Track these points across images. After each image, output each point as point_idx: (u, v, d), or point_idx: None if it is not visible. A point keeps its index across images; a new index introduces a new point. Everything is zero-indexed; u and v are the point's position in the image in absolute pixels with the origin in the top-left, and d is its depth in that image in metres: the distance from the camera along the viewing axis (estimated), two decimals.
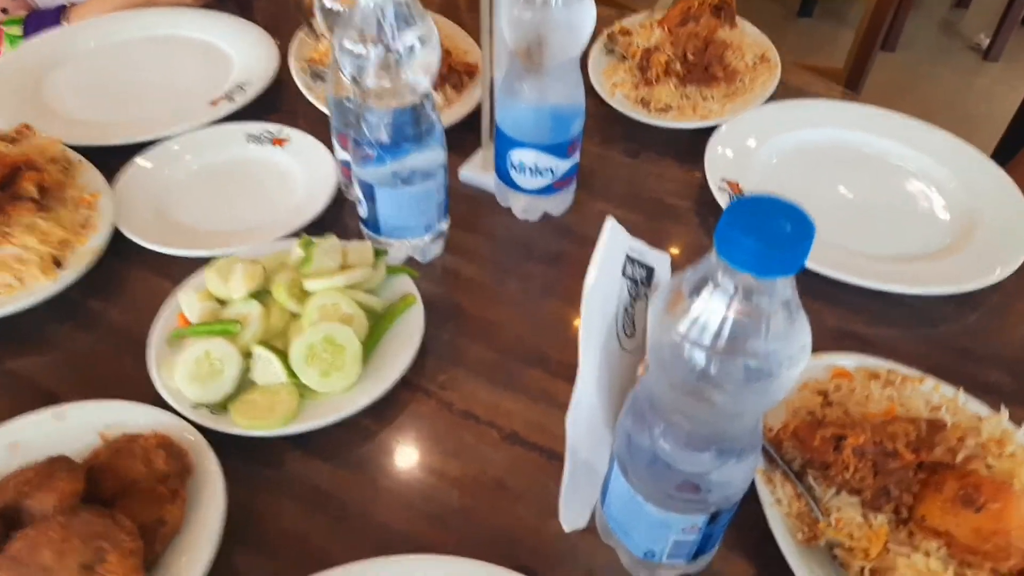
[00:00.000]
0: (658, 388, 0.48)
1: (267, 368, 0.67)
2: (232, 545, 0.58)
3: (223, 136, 0.95)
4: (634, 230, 0.62)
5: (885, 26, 2.34)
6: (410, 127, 0.72)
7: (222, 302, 0.71)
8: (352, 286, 0.71)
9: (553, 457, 0.65)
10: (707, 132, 0.95)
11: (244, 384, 0.67)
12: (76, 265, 0.77)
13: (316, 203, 0.85)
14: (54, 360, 0.73)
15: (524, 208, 0.88)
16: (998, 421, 0.61)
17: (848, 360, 0.69)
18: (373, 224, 0.79)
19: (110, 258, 0.81)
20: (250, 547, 0.60)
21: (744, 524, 0.58)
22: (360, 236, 0.81)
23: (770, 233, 0.38)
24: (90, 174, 0.87)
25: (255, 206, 0.88)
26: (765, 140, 0.97)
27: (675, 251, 0.85)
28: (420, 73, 0.69)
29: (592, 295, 0.55)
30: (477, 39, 1.07)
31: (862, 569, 0.54)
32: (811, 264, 0.78)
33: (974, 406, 0.65)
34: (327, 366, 0.66)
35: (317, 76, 1.04)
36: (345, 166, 0.85)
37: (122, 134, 0.94)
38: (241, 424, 0.63)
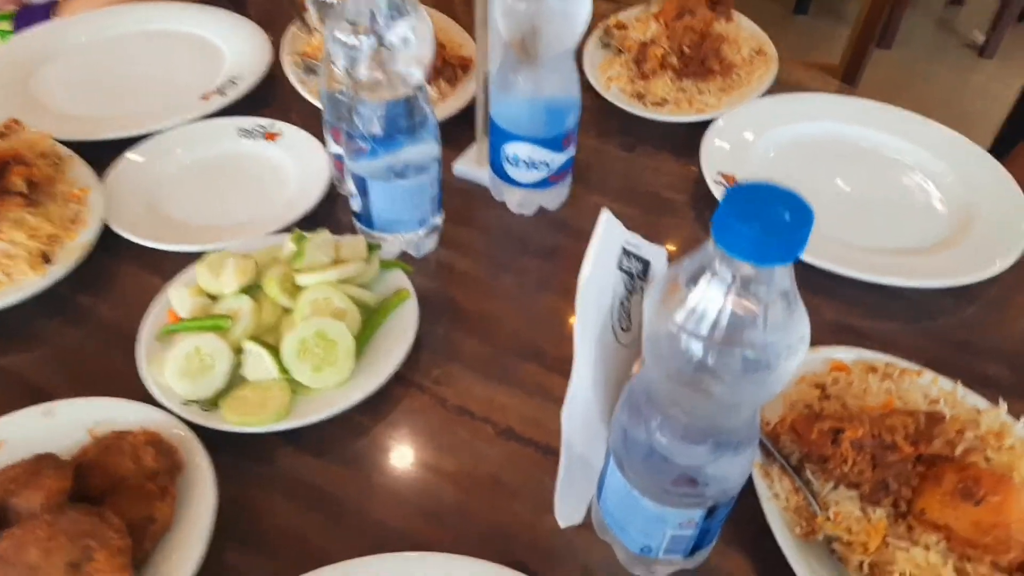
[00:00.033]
0: (654, 381, 0.47)
1: (258, 364, 0.66)
2: (223, 542, 0.57)
3: (215, 131, 0.94)
4: (630, 224, 0.61)
5: (881, 23, 2.33)
6: (403, 120, 0.71)
7: (213, 297, 0.70)
8: (345, 281, 0.71)
9: (548, 452, 0.65)
10: (703, 126, 0.95)
11: (235, 380, 0.66)
12: (65, 260, 0.76)
13: (309, 198, 0.84)
14: (42, 356, 0.72)
15: (519, 202, 0.87)
16: (997, 414, 0.61)
17: (846, 353, 0.68)
18: (366, 218, 0.78)
19: (100, 253, 0.80)
20: (241, 544, 0.59)
21: (741, 519, 0.57)
22: (353, 231, 0.80)
23: (768, 220, 0.38)
24: (80, 169, 0.86)
25: (247, 201, 0.87)
26: (762, 133, 0.96)
27: (671, 245, 0.84)
28: (413, 65, 0.68)
29: (587, 288, 0.54)
30: (471, 32, 1.07)
31: (861, 563, 0.53)
32: (809, 257, 0.77)
33: (972, 399, 0.64)
34: (319, 361, 0.65)
35: (310, 70, 1.03)
36: (338, 160, 0.84)
37: (112, 129, 0.93)
38: (232, 420, 0.62)
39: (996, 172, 0.90)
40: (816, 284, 0.77)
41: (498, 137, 0.82)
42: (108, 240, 0.80)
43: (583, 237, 0.55)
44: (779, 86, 1.04)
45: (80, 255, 0.77)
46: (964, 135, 0.95)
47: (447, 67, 1.02)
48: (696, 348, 0.41)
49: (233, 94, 1.00)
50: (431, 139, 0.74)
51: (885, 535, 0.53)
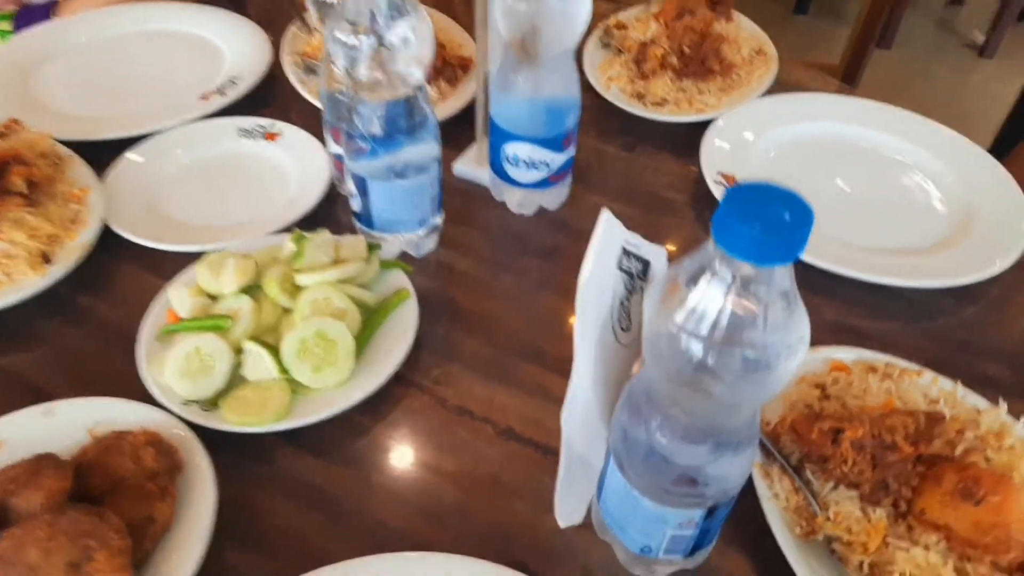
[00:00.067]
0: (655, 381, 0.47)
1: (258, 364, 0.66)
2: (223, 542, 0.57)
3: (215, 131, 0.94)
4: (630, 224, 0.61)
5: (881, 23, 2.33)
6: (403, 120, 0.71)
7: (213, 297, 0.70)
8: (345, 281, 0.71)
9: (548, 452, 0.65)
10: (703, 126, 0.95)
11: (235, 380, 0.66)
12: (65, 260, 0.76)
13: (309, 198, 0.84)
14: (42, 356, 0.72)
15: (519, 202, 0.87)
16: (997, 414, 0.61)
17: (846, 353, 0.68)
18: (366, 218, 0.78)
19: (100, 253, 0.79)
20: (242, 544, 0.59)
21: (741, 519, 0.57)
22: (353, 231, 0.80)
23: (768, 220, 0.38)
24: (80, 169, 0.86)
25: (247, 201, 0.87)
26: (762, 133, 0.96)
27: (671, 245, 0.84)
28: (413, 65, 0.68)
29: (587, 288, 0.54)
30: (471, 33, 1.07)
31: (861, 563, 0.53)
32: (809, 257, 0.77)
33: (972, 399, 0.64)
34: (319, 361, 0.65)
35: (310, 70, 1.03)
36: (338, 160, 0.84)
37: (112, 129, 0.93)
38: (232, 421, 0.62)
39: (996, 172, 0.90)
40: (816, 284, 0.77)
41: (498, 137, 0.82)
42: (108, 240, 0.80)
43: (583, 237, 0.55)
44: (779, 86, 1.03)
45: (80, 255, 0.77)
46: (964, 135, 0.95)
47: (447, 67, 1.02)
48: (696, 348, 0.41)
49: (233, 94, 1.00)
50: (431, 139, 0.74)
51: (885, 535, 0.53)
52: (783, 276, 0.39)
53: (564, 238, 0.85)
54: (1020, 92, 1.88)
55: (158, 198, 0.87)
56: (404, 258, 0.80)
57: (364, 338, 0.69)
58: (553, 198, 0.88)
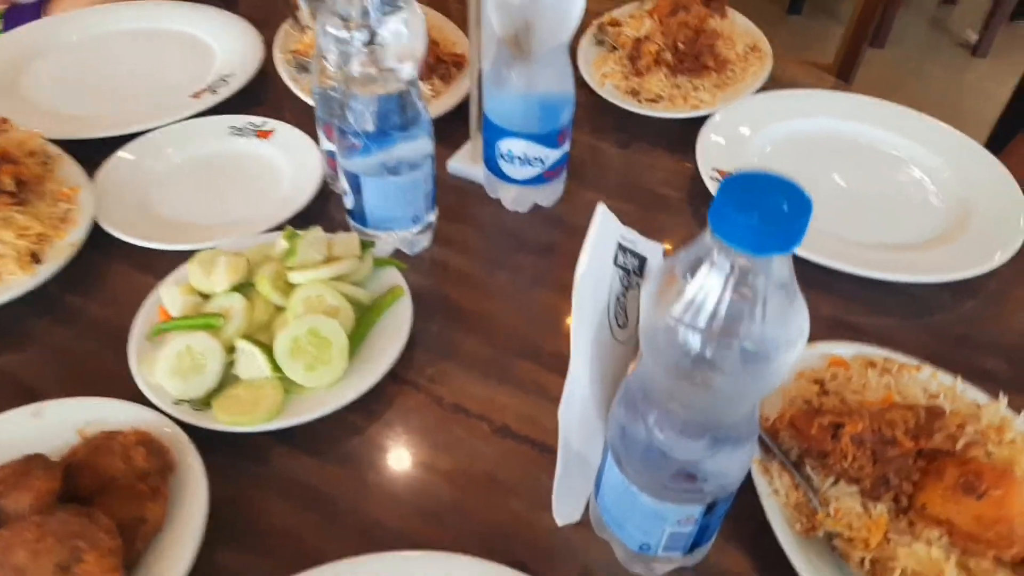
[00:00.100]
0: (652, 375, 0.46)
1: (251, 362, 0.65)
2: (216, 543, 0.56)
3: (206, 129, 0.94)
4: (626, 220, 0.60)
5: (874, 22, 2.34)
6: (396, 115, 0.71)
7: (204, 296, 0.69)
8: (338, 278, 0.70)
9: (545, 450, 0.64)
10: (698, 122, 0.94)
11: (227, 379, 0.65)
12: (55, 260, 0.75)
13: (301, 196, 0.84)
14: (32, 356, 0.71)
15: (514, 199, 0.87)
16: (997, 408, 0.60)
17: (844, 349, 0.68)
18: (360, 216, 0.77)
19: (90, 253, 0.79)
20: (235, 545, 0.58)
21: (741, 516, 0.57)
22: (346, 229, 0.80)
23: (766, 210, 0.37)
24: (70, 168, 0.85)
25: (239, 200, 0.86)
26: (757, 129, 0.96)
27: (668, 242, 0.83)
28: (405, 59, 0.68)
29: (583, 283, 0.54)
30: (465, 30, 1.06)
31: (862, 559, 0.53)
32: (805, 253, 0.77)
33: (972, 394, 0.64)
34: (312, 360, 0.64)
35: (302, 68, 1.02)
36: (331, 158, 0.83)
37: (103, 127, 0.92)
38: (224, 420, 0.62)
39: (992, 166, 0.90)
40: (813, 280, 0.76)
41: (492, 133, 0.81)
42: (99, 239, 0.79)
43: (578, 234, 0.54)
44: (773, 83, 1.03)
45: (70, 254, 0.76)
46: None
47: (440, 64, 1.02)
48: (694, 340, 0.40)
49: (225, 92, 0.99)
50: (424, 135, 0.73)
51: (886, 531, 0.53)
52: (782, 266, 0.39)
53: (559, 235, 0.85)
54: (1013, 91, 1.88)
55: (149, 197, 0.86)
56: (398, 256, 0.80)
57: (358, 336, 0.68)
58: (548, 195, 0.87)
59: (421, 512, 0.61)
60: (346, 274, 0.71)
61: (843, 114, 0.99)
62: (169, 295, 0.69)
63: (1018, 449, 0.56)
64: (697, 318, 0.40)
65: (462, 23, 1.09)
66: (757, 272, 0.38)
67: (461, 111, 0.92)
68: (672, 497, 0.49)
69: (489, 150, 0.83)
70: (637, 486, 0.49)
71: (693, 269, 0.40)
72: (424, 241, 0.82)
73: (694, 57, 1.02)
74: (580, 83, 0.92)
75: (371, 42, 0.66)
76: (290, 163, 0.90)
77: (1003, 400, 0.62)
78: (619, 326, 0.60)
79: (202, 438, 0.61)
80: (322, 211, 0.84)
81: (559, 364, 0.53)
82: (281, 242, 0.72)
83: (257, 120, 0.94)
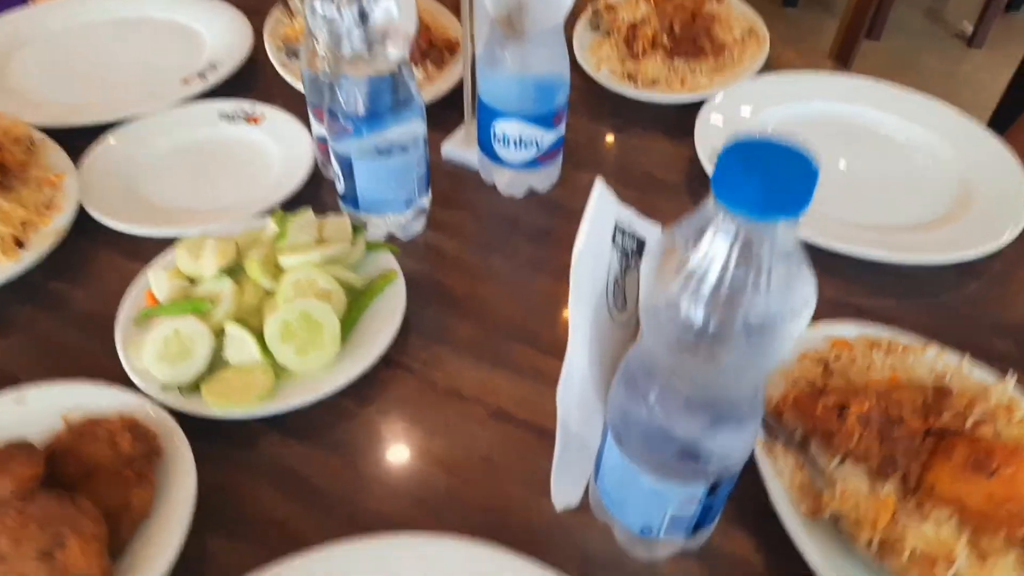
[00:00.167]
0: (654, 351, 0.45)
1: (240, 347, 0.63)
2: (205, 530, 0.55)
3: (195, 115, 0.92)
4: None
5: (870, 13, 2.33)
6: (387, 97, 0.69)
7: (193, 280, 0.68)
8: (330, 261, 0.68)
9: (543, 434, 0.62)
10: (695, 107, 0.93)
11: (216, 364, 0.63)
12: (39, 246, 0.74)
13: (292, 182, 0.82)
14: (16, 343, 0.70)
15: (508, 184, 0.85)
16: (1005, 388, 0.59)
17: (848, 329, 0.66)
18: (352, 200, 0.76)
19: (77, 240, 0.77)
20: (224, 532, 0.56)
21: (745, 497, 0.55)
22: (338, 213, 0.78)
23: (771, 173, 0.36)
24: (56, 154, 0.83)
25: (228, 186, 0.85)
26: (757, 112, 0.94)
27: (666, 225, 0.82)
28: (396, 39, 0.66)
29: (582, 260, 0.52)
30: (457, 14, 1.05)
31: (870, 540, 0.51)
32: (808, 235, 0.75)
33: (979, 374, 0.62)
34: (304, 344, 0.63)
35: (293, 54, 1.00)
36: (322, 143, 0.82)
37: (90, 114, 0.90)
38: (213, 404, 0.60)
39: (996, 147, 0.88)
40: (815, 263, 0.74)
41: (486, 116, 0.79)
42: (86, 226, 0.78)
43: (574, 219, 0.53)
44: (771, 69, 1.02)
45: (54, 240, 0.75)
46: None
47: (433, 49, 1.00)
48: (696, 313, 0.39)
49: (214, 79, 0.97)
50: (416, 117, 0.72)
51: (894, 511, 0.51)
52: (787, 233, 0.37)
53: (555, 220, 0.83)
54: (1009, 82, 1.88)
55: (137, 183, 0.84)
56: (391, 241, 0.78)
57: (350, 320, 0.67)
58: (543, 179, 0.85)
59: (415, 498, 0.59)
60: (338, 257, 0.69)
61: (843, 96, 0.97)
62: (157, 279, 0.67)
63: None
64: (699, 290, 0.38)
65: (455, 8, 1.07)
66: (761, 239, 0.37)
67: (455, 98, 0.91)
68: (675, 475, 0.47)
69: (484, 133, 0.81)
70: (638, 464, 0.48)
71: (695, 239, 0.38)
72: (417, 226, 0.80)
73: (691, 41, 1.01)
74: (576, 68, 0.91)
75: (361, 22, 0.64)
76: (280, 149, 0.88)
77: (1011, 379, 0.60)
78: (618, 309, 0.58)
79: (191, 425, 0.59)
80: (313, 197, 0.83)
81: (556, 348, 0.52)
82: (271, 225, 0.71)
83: (247, 106, 0.92)
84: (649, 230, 0.63)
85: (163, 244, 0.73)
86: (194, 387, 0.61)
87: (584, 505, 0.57)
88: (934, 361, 0.62)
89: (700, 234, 0.38)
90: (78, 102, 0.95)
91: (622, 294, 0.59)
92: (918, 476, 0.53)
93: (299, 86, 0.93)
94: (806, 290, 0.40)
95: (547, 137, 0.79)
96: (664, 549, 0.54)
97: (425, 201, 0.79)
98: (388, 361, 0.67)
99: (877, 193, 0.86)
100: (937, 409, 0.55)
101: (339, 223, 0.72)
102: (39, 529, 0.47)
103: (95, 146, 0.86)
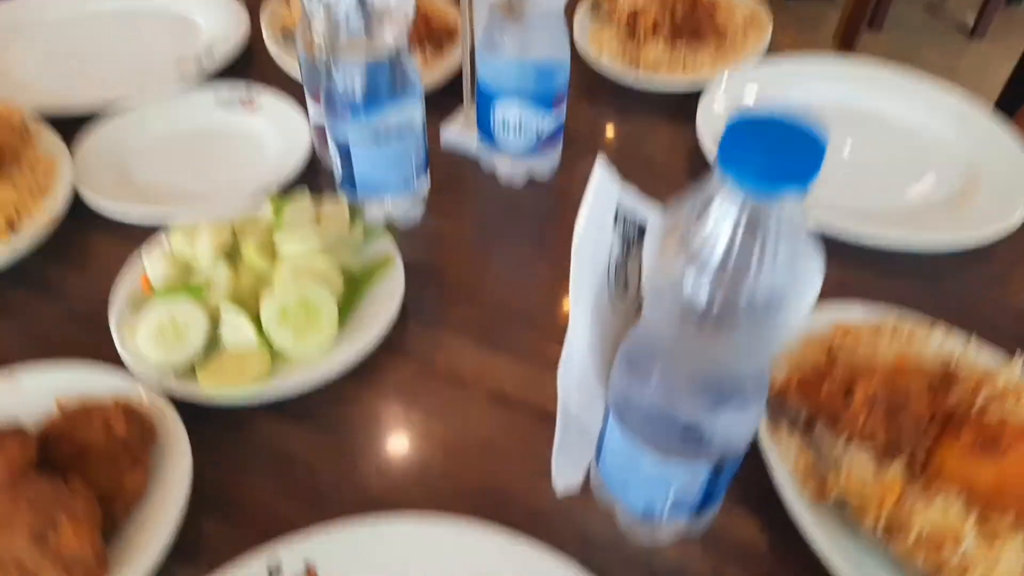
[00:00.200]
0: (656, 330, 0.44)
1: (236, 331, 0.62)
2: (200, 514, 0.54)
3: (191, 101, 0.91)
4: None
5: (871, 4, 2.32)
6: (384, 81, 0.68)
7: (188, 264, 0.67)
8: (327, 246, 0.67)
9: (543, 418, 0.62)
10: (697, 93, 0.92)
11: (212, 347, 0.63)
12: (32, 230, 0.73)
13: (289, 167, 0.81)
14: (9, 328, 0.69)
15: (508, 170, 0.84)
16: (1012, 370, 0.58)
17: (853, 313, 0.65)
18: (349, 186, 0.75)
19: (72, 224, 0.76)
20: (220, 516, 0.55)
21: (749, 480, 0.54)
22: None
23: (777, 145, 0.35)
24: (50, 139, 0.83)
25: (225, 171, 0.84)
26: (760, 98, 0.93)
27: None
28: (394, 22, 0.65)
29: (583, 242, 0.51)
30: (457, 0, 1.04)
31: (875, 523, 0.50)
32: (813, 220, 0.75)
33: (986, 357, 0.61)
34: (301, 327, 0.62)
35: (289, 39, 0.99)
36: (319, 129, 0.81)
37: (86, 101, 0.89)
38: (208, 387, 0.59)
39: (1003, 130, 0.88)
40: (821, 247, 0.74)
41: (486, 100, 0.78)
42: (80, 212, 0.77)
43: (574, 205, 0.52)
44: (773, 53, 1.01)
45: (48, 224, 0.74)
46: None
47: (433, 36, 0.99)
48: (701, 291, 0.38)
49: (211, 66, 0.96)
50: (414, 101, 0.71)
51: (900, 493, 0.50)
52: (793, 208, 0.37)
53: (555, 206, 0.82)
54: (1011, 74, 1.87)
55: (132, 168, 0.83)
56: (389, 226, 0.77)
57: (348, 305, 0.66)
58: (543, 165, 0.85)
59: (415, 482, 0.58)
60: (336, 242, 0.68)
61: (846, 80, 0.96)
62: (152, 263, 0.66)
63: None
64: (705, 267, 0.37)
65: None
66: (768, 213, 0.36)
67: (455, 84, 0.90)
68: (678, 455, 0.46)
69: (483, 118, 0.80)
70: (641, 447, 0.47)
71: (699, 215, 0.38)
72: (416, 212, 0.79)
73: (692, 26, 1.00)
74: (576, 55, 0.90)
75: (359, 5, 0.63)
76: (277, 135, 0.87)
77: (1019, 361, 0.59)
78: (619, 293, 0.58)
79: (187, 409, 0.58)
80: (311, 183, 0.82)
81: (556, 332, 0.51)
82: (267, 209, 0.70)
83: (243, 92, 0.91)
84: (651, 213, 0.62)
85: (158, 229, 0.72)
86: (189, 371, 0.61)
87: (585, 488, 0.56)
88: (940, 344, 0.62)
89: (704, 209, 0.37)
90: (73, 89, 0.94)
91: (623, 278, 0.58)
92: (925, 458, 0.52)
93: (296, 72, 0.92)
94: (813, 266, 0.39)
95: (547, 121, 0.79)
96: (667, 532, 0.53)
97: (424, 187, 0.79)
98: (387, 345, 0.66)
99: (883, 177, 0.85)
100: (944, 392, 0.54)
101: (337, 208, 0.71)
102: (32, 511, 0.46)
103: (90, 131, 0.85)
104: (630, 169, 0.86)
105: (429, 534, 0.52)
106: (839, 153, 0.88)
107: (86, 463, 0.52)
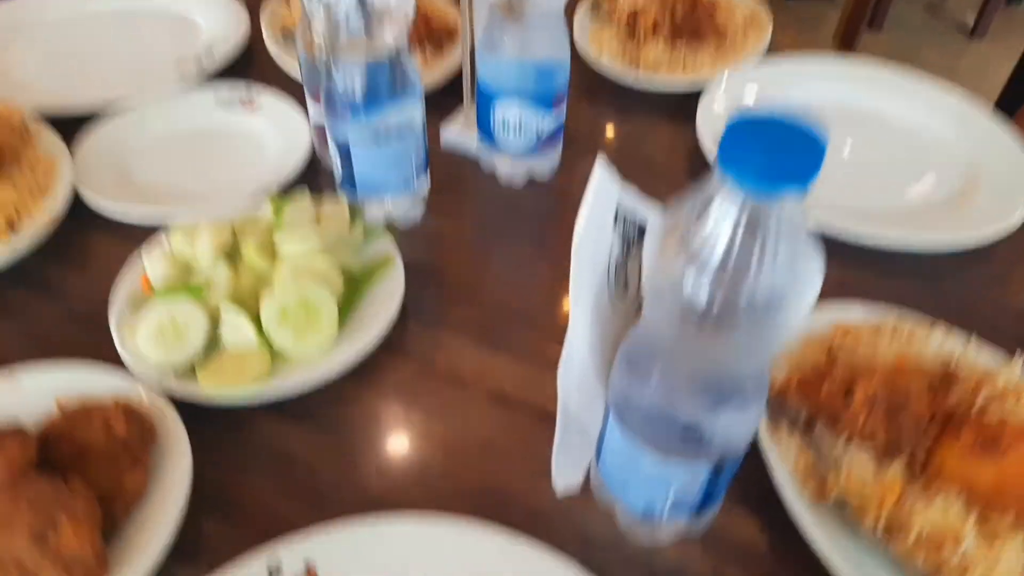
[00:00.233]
0: (657, 329, 0.44)
1: (236, 331, 0.62)
2: (200, 513, 0.54)
3: (191, 101, 0.91)
4: None
5: (871, 4, 2.32)
6: (385, 81, 0.68)
7: (188, 264, 0.67)
8: (327, 246, 0.67)
9: (543, 418, 0.62)
10: (697, 93, 0.92)
11: (212, 348, 0.63)
12: (32, 230, 0.73)
13: (289, 167, 0.81)
14: (9, 328, 0.69)
15: (508, 170, 0.84)
16: (1012, 370, 0.58)
17: (853, 313, 0.65)
18: (350, 186, 0.75)
19: (72, 224, 0.76)
20: (219, 516, 0.56)
21: (749, 480, 0.54)
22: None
23: (777, 145, 0.35)
24: (50, 139, 0.83)
25: (225, 171, 0.84)
26: (760, 98, 0.93)
27: None
28: (394, 23, 0.65)
29: (583, 242, 0.51)
30: (457, 1, 1.04)
31: (875, 523, 0.50)
32: (813, 220, 0.75)
33: (986, 357, 0.62)
34: (301, 328, 0.62)
35: (289, 39, 0.99)
36: (319, 128, 0.81)
37: (86, 101, 0.89)
38: (208, 387, 0.59)
39: (1003, 130, 0.88)
40: (821, 247, 0.74)
41: (486, 100, 0.78)
42: (80, 212, 0.77)
43: (574, 205, 0.52)
44: (773, 53, 1.01)
45: (48, 224, 0.74)
46: None
47: (433, 36, 0.99)
48: (701, 291, 0.38)
49: (211, 66, 0.96)
50: (414, 101, 0.71)
51: (900, 493, 0.50)
52: (793, 208, 0.37)
53: (555, 206, 0.82)
54: (1011, 74, 1.87)
55: (132, 168, 0.83)
56: (389, 226, 0.77)
57: (348, 305, 0.66)
58: (543, 165, 0.85)
59: (415, 482, 0.58)
60: (336, 242, 0.68)
61: (846, 80, 0.96)
62: (152, 264, 0.66)
63: None
64: (705, 267, 0.37)
65: None
66: (768, 213, 0.36)
67: (455, 84, 0.90)
68: (678, 455, 0.46)
69: (483, 119, 0.81)
70: (641, 447, 0.47)
71: (699, 215, 0.38)
72: (416, 212, 0.79)
73: (692, 26, 1.00)
74: (576, 55, 0.90)
75: (359, 5, 0.63)
76: (277, 135, 0.87)
77: (1019, 361, 0.59)
78: (619, 294, 0.58)
79: (187, 409, 0.58)
80: (312, 183, 0.82)
81: (556, 332, 0.51)
82: (267, 209, 0.70)
83: (243, 92, 0.91)
84: (651, 213, 0.62)
85: (158, 229, 0.72)
86: (189, 371, 0.61)
87: (585, 488, 0.56)
88: (940, 344, 0.62)
89: (704, 209, 0.37)
90: (73, 88, 0.94)
91: (623, 278, 0.58)
92: (925, 458, 0.52)
93: (296, 72, 0.92)
94: (813, 266, 0.39)
95: (547, 122, 0.79)
96: (667, 532, 0.53)
97: (424, 187, 0.79)
98: (387, 345, 0.66)
99: (883, 177, 0.85)
100: (944, 392, 0.54)
101: (337, 208, 0.71)
102: (32, 511, 0.46)
103: (90, 131, 0.85)
104: (630, 169, 0.86)
105: (429, 534, 0.52)
106: (839, 153, 0.88)
107: (86, 463, 0.52)
